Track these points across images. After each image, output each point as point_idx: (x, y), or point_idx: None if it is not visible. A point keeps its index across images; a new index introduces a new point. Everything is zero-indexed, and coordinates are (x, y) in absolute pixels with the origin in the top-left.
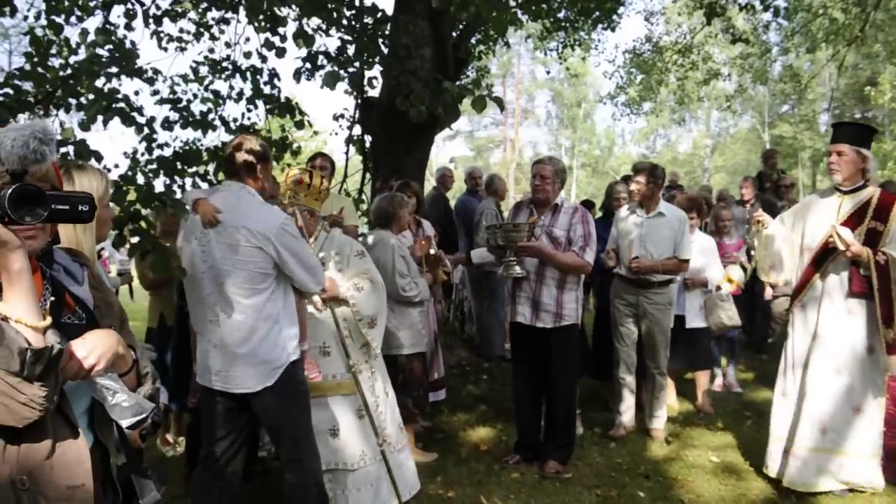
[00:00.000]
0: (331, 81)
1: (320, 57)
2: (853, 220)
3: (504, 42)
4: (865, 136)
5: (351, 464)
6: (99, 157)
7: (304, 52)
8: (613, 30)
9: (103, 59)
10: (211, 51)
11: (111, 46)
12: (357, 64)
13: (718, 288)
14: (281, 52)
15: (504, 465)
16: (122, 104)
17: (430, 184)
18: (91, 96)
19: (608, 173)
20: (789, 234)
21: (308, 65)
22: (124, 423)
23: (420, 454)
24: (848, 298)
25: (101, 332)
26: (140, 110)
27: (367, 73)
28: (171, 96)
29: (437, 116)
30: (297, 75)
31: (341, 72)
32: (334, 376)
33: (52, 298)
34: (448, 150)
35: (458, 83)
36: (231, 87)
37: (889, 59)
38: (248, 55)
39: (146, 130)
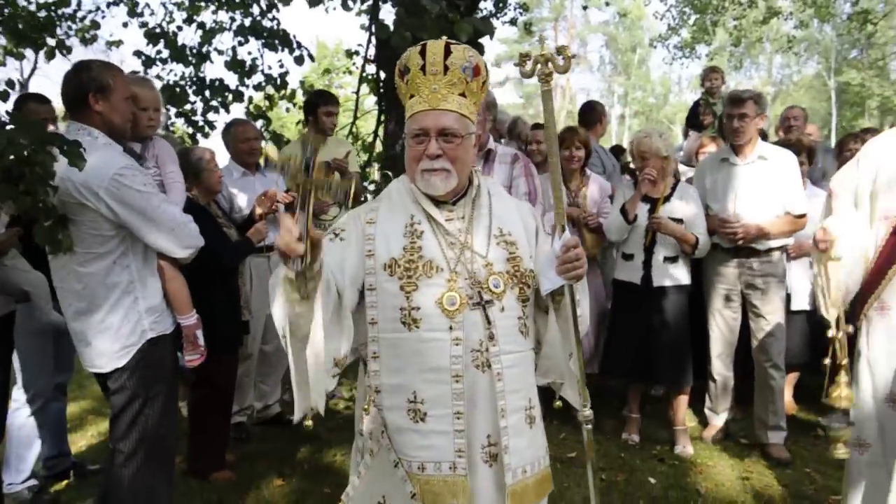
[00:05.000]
0: None
1: None
2: None
3: None
4: None
5: None
6: None
7: None
8: None
9: None
10: None
11: None
12: None
13: None
14: None
15: None
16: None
17: None
18: None
19: (662, 122)
20: (867, 227)
21: None
22: None
23: None
24: None
25: None
26: (50, 30)
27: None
28: (154, 29)
29: None
30: None
31: None
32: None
33: None
34: (497, 98)
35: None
36: (218, 20)
37: None
38: None
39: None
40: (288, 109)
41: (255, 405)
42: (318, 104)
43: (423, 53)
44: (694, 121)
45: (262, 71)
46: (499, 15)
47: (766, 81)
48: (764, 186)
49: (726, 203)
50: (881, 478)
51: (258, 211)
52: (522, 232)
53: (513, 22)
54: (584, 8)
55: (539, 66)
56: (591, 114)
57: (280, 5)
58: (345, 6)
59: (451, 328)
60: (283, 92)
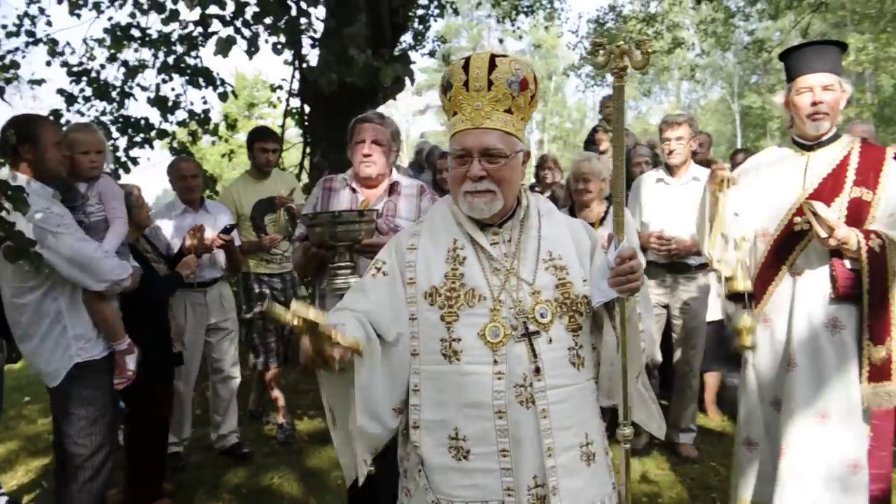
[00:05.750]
0: (223, 48)
1: (214, 21)
2: (827, 188)
3: (453, 9)
4: (840, 59)
5: None
6: None
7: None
8: None
9: None
10: (133, 15)
11: None
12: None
13: None
14: (173, 16)
15: None
16: None
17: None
18: None
19: (579, 146)
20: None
21: (200, 28)
22: None
23: None
24: (831, 304)
25: None
26: None
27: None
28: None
29: (376, 85)
30: (190, 41)
31: (237, 37)
32: None
33: None
34: (419, 125)
35: (395, 51)
36: (141, 58)
37: (856, 26)
38: (165, 22)
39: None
40: (214, 143)
41: (211, 435)
42: (254, 140)
43: (466, 68)
44: (591, 147)
45: (185, 108)
46: (418, 47)
47: (675, 106)
48: (695, 206)
49: (661, 221)
50: (768, 472)
51: (187, 243)
52: (574, 254)
53: (431, 54)
54: (500, 41)
55: (613, 58)
56: None
57: (202, 45)
58: (275, 51)
59: (495, 361)
60: (206, 127)
